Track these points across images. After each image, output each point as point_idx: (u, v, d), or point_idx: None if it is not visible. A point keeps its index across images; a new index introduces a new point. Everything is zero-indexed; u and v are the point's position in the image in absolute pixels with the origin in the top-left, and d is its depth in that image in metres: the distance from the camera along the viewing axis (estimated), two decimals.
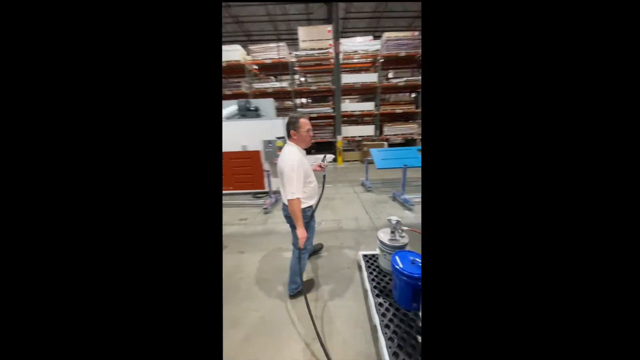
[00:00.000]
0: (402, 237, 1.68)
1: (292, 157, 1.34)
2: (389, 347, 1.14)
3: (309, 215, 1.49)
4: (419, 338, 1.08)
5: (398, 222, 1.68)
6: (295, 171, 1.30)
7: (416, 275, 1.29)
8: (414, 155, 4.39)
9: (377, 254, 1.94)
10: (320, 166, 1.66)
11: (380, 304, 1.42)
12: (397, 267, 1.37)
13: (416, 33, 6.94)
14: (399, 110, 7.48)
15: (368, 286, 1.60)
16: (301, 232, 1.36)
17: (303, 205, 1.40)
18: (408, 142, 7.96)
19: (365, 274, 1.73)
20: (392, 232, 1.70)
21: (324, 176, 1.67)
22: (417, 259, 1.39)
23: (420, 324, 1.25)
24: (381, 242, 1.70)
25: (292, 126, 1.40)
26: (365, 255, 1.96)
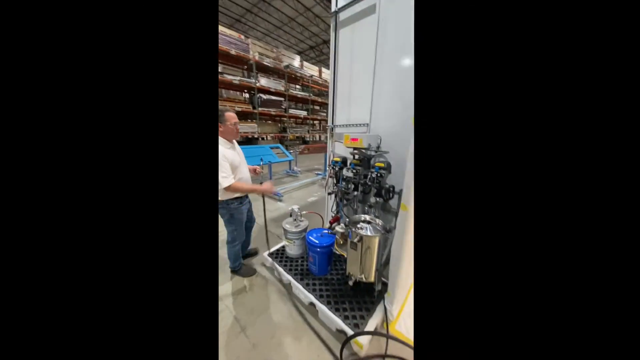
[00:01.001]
0: (302, 221, 1.92)
1: None
2: (331, 309, 1.36)
3: (232, 208, 1.51)
4: (349, 283, 1.44)
5: (299, 209, 1.89)
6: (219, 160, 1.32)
7: (326, 244, 1.62)
8: (269, 152, 4.80)
9: (281, 247, 2.00)
10: (254, 170, 1.63)
11: (307, 284, 1.57)
12: (313, 243, 1.59)
13: (242, 37, 7.21)
14: (238, 108, 7.43)
15: (290, 277, 1.64)
16: (264, 187, 1.53)
17: (226, 197, 1.46)
18: (249, 141, 8.25)
19: (280, 269, 1.73)
20: (295, 220, 1.88)
21: (261, 183, 1.61)
22: (324, 231, 1.72)
23: (344, 273, 1.61)
24: (287, 231, 1.81)
25: (218, 119, 1.38)
26: (271, 254, 1.93)
